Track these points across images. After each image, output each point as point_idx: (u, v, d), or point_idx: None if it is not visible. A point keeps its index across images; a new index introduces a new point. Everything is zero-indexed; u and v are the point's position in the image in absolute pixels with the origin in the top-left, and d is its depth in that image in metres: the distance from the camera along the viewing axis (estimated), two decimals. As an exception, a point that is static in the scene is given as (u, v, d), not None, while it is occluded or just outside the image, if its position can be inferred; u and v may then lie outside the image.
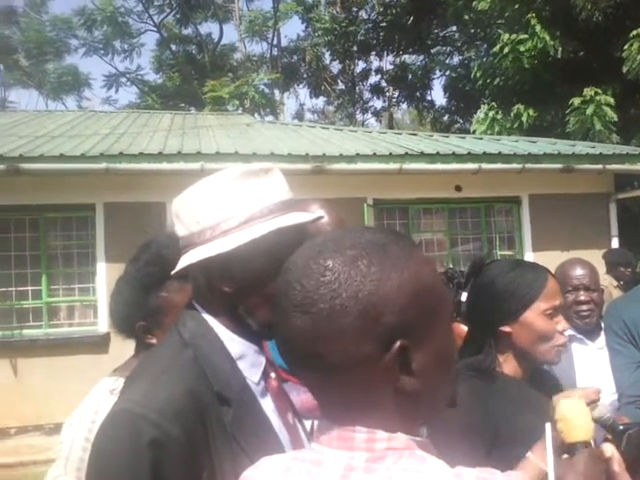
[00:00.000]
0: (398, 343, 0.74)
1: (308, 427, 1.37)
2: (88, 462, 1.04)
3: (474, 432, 1.44)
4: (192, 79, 24.38)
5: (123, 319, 1.71)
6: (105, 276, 7.57)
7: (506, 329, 1.60)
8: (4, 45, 26.05)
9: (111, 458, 0.99)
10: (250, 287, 1.13)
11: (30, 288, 7.76)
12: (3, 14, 27.18)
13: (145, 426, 0.98)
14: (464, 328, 1.69)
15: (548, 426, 1.18)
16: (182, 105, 24.62)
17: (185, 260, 1.14)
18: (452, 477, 0.73)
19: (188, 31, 26.80)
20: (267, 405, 1.16)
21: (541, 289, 1.60)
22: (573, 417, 1.23)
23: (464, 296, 1.71)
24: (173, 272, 1.17)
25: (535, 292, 1.60)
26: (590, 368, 2.68)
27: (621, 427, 0.96)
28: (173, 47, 26.53)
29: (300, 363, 0.80)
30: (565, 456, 1.19)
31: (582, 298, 2.74)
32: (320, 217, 1.24)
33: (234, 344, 1.14)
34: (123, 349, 1.91)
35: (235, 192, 1.13)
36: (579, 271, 2.78)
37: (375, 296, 0.74)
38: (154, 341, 1.64)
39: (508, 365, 1.62)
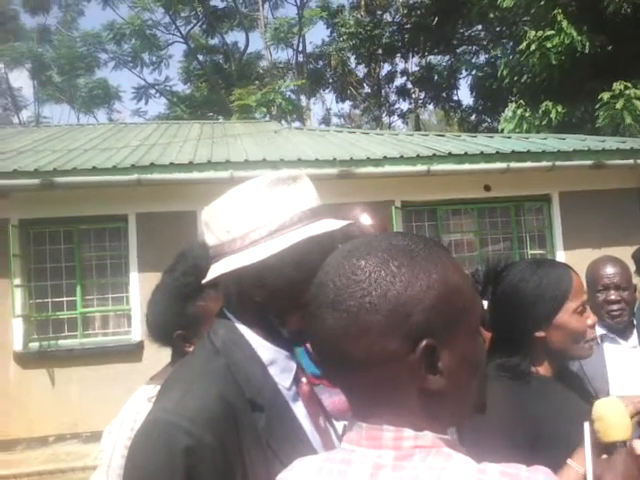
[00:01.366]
0: (424, 342, 0.76)
1: (340, 429, 1.38)
2: (124, 472, 1.06)
3: (514, 433, 1.43)
4: (219, 88, 24.60)
5: (160, 328, 1.73)
6: (138, 285, 7.68)
7: (540, 334, 1.57)
8: (38, 63, 26.68)
9: (146, 467, 1.01)
10: (282, 295, 1.14)
11: (65, 299, 7.91)
12: (37, 33, 27.85)
13: (178, 434, 0.99)
14: (487, 333, 1.66)
15: (586, 425, 1.16)
16: (210, 114, 24.86)
17: (217, 270, 1.14)
18: (476, 472, 0.74)
19: (215, 41, 27.13)
20: (299, 410, 1.16)
21: (569, 288, 1.57)
22: (610, 416, 1.21)
23: (484, 304, 1.66)
24: (204, 281, 1.18)
25: (564, 292, 1.57)
26: (623, 367, 2.64)
27: None
28: (200, 57, 26.82)
29: (330, 361, 0.81)
30: (604, 456, 1.17)
31: (612, 297, 2.68)
32: (350, 224, 1.23)
33: (265, 350, 1.15)
34: (157, 357, 1.95)
35: (264, 201, 1.14)
36: (610, 269, 2.71)
37: (404, 296, 0.76)
38: (192, 349, 1.67)
39: (540, 366, 1.60)
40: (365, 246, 0.82)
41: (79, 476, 6.13)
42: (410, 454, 0.76)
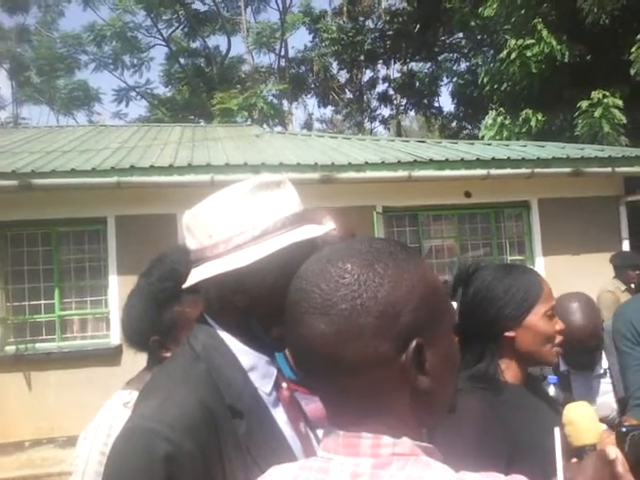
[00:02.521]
0: (414, 342, 0.76)
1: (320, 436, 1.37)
2: (102, 478, 1.05)
3: (492, 445, 1.42)
4: (201, 92, 24.53)
5: (136, 333, 1.71)
6: (117, 288, 7.60)
7: (510, 334, 1.59)
8: (17, 63, 26.41)
9: (125, 474, 0.99)
10: (264, 301, 1.13)
11: (43, 302, 7.80)
12: (16, 33, 27.58)
13: (158, 441, 0.98)
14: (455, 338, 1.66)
15: (557, 430, 1.18)
16: (191, 118, 24.81)
17: (199, 274, 1.13)
18: None
19: (196, 44, 27.09)
20: (279, 415, 1.16)
21: (540, 292, 1.60)
22: (580, 421, 1.23)
23: (453, 305, 1.68)
24: (184, 286, 1.17)
25: (535, 295, 1.60)
26: (587, 396, 2.62)
27: (624, 429, 0.97)
28: (182, 60, 26.73)
29: (316, 368, 0.80)
30: (574, 460, 1.19)
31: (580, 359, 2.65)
32: (332, 229, 1.23)
33: (245, 356, 1.14)
34: (135, 361, 1.92)
35: (247, 206, 1.13)
36: (580, 332, 2.52)
37: (392, 296, 0.77)
38: (169, 355, 1.63)
39: (510, 371, 1.61)
40: (347, 250, 0.81)
41: (55, 482, 6.04)
42: (388, 462, 0.76)
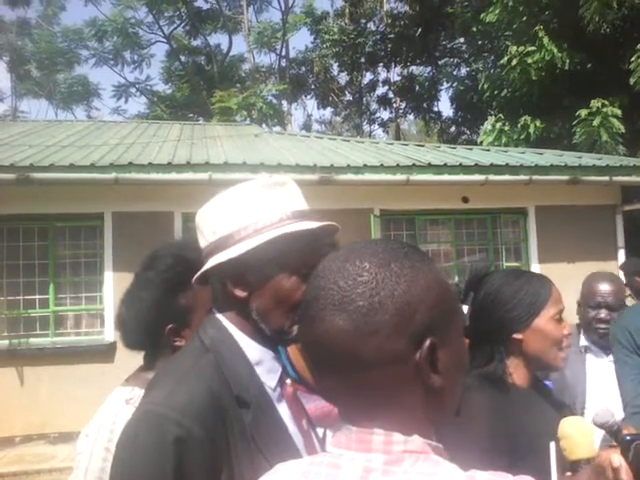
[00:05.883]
0: (429, 340, 0.78)
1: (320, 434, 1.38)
2: (112, 463, 1.07)
3: (498, 442, 1.45)
4: (201, 90, 24.53)
5: (149, 326, 1.66)
6: (112, 285, 7.59)
7: (518, 336, 1.62)
8: (17, 56, 26.36)
9: (136, 458, 1.02)
10: (262, 292, 1.17)
11: (37, 297, 7.79)
12: (17, 26, 27.53)
13: (168, 425, 1.01)
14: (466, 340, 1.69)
15: (552, 445, 1.18)
16: (191, 115, 24.80)
17: (204, 268, 1.19)
18: None
19: (197, 42, 27.09)
20: (283, 411, 1.19)
21: (548, 295, 1.64)
22: (575, 435, 1.23)
23: (464, 309, 1.72)
24: (193, 279, 1.23)
25: (544, 298, 1.63)
26: (601, 380, 2.71)
27: (628, 438, 0.97)
28: (182, 58, 26.72)
29: (331, 364, 0.81)
30: (568, 473, 1.19)
31: (602, 316, 2.76)
32: (328, 225, 1.24)
33: (252, 350, 1.18)
34: (129, 358, 1.91)
35: (250, 203, 1.18)
36: (606, 288, 2.78)
37: (408, 295, 0.78)
38: (183, 343, 1.62)
39: (517, 373, 1.64)
40: (364, 249, 0.83)
41: (45, 478, 6.01)
42: (400, 459, 0.77)
